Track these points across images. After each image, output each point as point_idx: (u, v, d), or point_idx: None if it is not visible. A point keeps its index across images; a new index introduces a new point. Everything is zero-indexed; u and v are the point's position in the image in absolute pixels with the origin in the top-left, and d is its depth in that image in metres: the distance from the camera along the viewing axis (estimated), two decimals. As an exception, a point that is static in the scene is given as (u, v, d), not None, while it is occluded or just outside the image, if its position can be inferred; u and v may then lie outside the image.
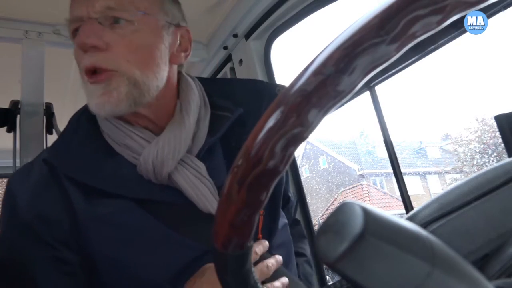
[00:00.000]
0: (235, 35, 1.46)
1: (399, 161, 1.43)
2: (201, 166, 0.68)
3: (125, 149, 0.67)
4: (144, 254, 0.63)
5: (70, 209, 0.63)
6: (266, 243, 0.65)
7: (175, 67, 0.74)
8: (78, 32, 0.63)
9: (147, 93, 0.65)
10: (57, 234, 0.62)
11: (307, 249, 0.89)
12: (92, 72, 0.63)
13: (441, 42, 1.08)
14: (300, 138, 0.24)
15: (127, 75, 0.63)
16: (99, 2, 0.62)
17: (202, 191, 0.65)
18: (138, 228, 0.63)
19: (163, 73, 0.68)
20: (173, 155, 0.65)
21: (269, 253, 0.68)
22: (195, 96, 0.73)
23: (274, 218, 0.74)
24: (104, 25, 0.63)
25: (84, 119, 0.72)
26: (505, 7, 0.92)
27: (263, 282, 0.60)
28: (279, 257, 0.65)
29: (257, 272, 0.57)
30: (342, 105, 0.26)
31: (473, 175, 0.33)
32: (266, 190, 0.26)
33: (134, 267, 0.62)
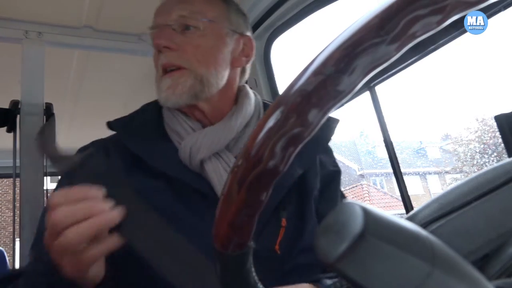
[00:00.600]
0: (235, 35, 1.45)
1: (399, 161, 1.43)
2: None
3: (175, 134, 0.77)
4: None
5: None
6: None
7: (236, 71, 0.83)
8: (154, 36, 0.76)
9: (208, 88, 0.75)
10: None
11: None
12: (168, 71, 0.74)
13: (441, 42, 1.08)
14: (300, 138, 0.24)
15: (194, 72, 0.74)
16: (175, 11, 0.75)
17: None
18: (163, 209, 0.66)
19: (224, 74, 0.78)
20: (209, 146, 0.72)
21: (279, 275, 0.65)
22: (250, 106, 0.81)
23: (299, 234, 0.72)
24: (177, 31, 0.75)
25: (152, 107, 0.83)
26: (505, 7, 0.92)
27: None
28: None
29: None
30: (342, 105, 0.26)
31: (473, 175, 0.33)
32: (266, 190, 0.26)
33: None
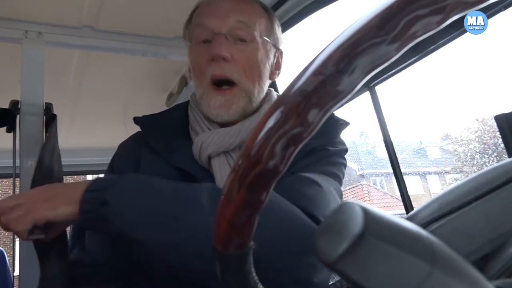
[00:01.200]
0: (235, 35, 1.45)
1: (399, 161, 1.43)
2: None
3: (194, 133, 0.80)
4: None
5: (136, 168, 0.77)
6: None
7: (268, 83, 0.85)
8: (212, 44, 0.74)
9: (254, 104, 0.78)
10: None
11: None
12: (219, 83, 0.75)
13: (441, 42, 1.08)
14: (300, 138, 0.24)
15: (245, 90, 0.75)
16: (231, 20, 0.74)
17: None
18: None
19: (265, 88, 0.81)
20: (218, 143, 0.74)
21: None
22: None
23: None
24: (229, 40, 0.74)
25: (182, 107, 0.86)
26: (505, 7, 0.92)
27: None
28: None
29: None
30: (342, 105, 0.26)
31: (473, 175, 0.33)
32: (266, 190, 0.26)
33: None
